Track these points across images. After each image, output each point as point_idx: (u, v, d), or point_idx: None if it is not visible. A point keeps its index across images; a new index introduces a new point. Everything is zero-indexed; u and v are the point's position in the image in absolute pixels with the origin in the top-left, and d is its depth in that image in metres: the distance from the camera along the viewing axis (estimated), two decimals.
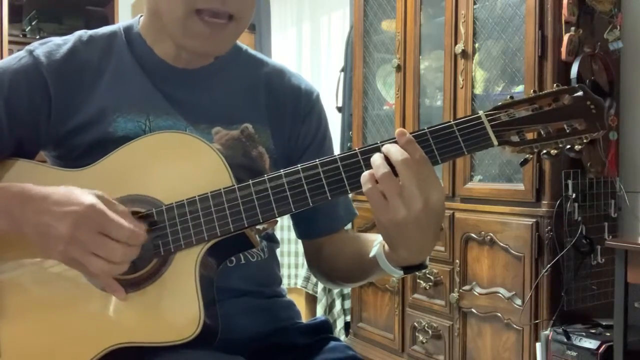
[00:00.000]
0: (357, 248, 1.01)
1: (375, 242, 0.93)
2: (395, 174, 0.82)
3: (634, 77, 2.37)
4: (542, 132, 0.86)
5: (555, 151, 0.87)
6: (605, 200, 2.27)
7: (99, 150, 0.95)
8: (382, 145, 0.86)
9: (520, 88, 2.29)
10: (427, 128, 0.88)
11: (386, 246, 0.90)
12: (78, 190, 0.86)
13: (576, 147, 0.86)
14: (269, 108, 1.08)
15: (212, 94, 1.05)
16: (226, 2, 0.94)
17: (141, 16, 1.06)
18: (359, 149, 0.88)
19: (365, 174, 0.83)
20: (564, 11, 2.11)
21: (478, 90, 2.46)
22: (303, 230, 1.13)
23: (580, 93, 0.86)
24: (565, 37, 2.11)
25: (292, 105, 1.10)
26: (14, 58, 1.00)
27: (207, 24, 0.95)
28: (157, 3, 0.97)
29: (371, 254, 0.92)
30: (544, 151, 0.88)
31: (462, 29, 2.47)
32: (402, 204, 0.81)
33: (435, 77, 2.75)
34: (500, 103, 0.87)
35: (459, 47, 2.46)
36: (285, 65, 1.17)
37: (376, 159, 0.83)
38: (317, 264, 1.13)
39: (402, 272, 0.91)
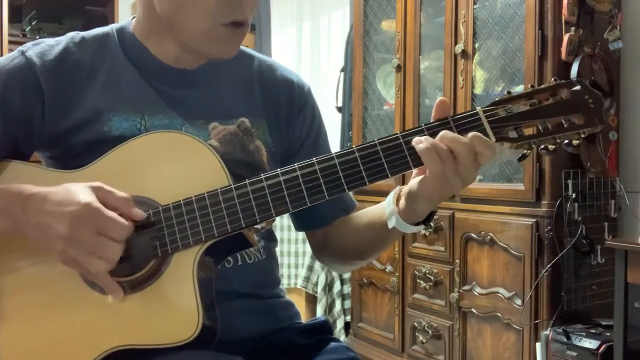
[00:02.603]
0: (365, 223, 1.05)
1: (388, 212, 0.95)
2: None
3: (634, 77, 2.36)
4: (540, 128, 0.86)
5: (553, 146, 0.87)
6: (605, 200, 2.26)
7: (94, 150, 0.95)
8: (379, 142, 0.87)
9: (520, 88, 2.28)
10: (425, 125, 0.88)
11: (401, 212, 0.92)
12: (77, 188, 0.86)
13: (574, 141, 0.86)
14: (264, 101, 1.09)
15: (208, 90, 1.05)
16: (245, 12, 0.96)
17: (133, 17, 1.06)
18: (356, 146, 0.88)
19: (433, 154, 0.84)
20: (564, 11, 2.11)
21: (478, 90, 2.46)
22: (304, 223, 1.13)
23: (578, 87, 0.85)
24: (565, 37, 2.11)
25: (286, 98, 1.11)
26: (6, 59, 1.00)
27: (231, 31, 0.96)
28: (176, 15, 0.96)
29: (390, 226, 0.94)
30: (542, 146, 0.87)
31: (462, 29, 2.46)
32: (460, 181, 0.86)
33: (435, 77, 2.75)
34: (497, 99, 0.87)
35: (459, 47, 2.45)
36: (273, 59, 1.18)
37: (438, 143, 0.85)
38: (324, 250, 1.13)
39: (421, 227, 0.95)
